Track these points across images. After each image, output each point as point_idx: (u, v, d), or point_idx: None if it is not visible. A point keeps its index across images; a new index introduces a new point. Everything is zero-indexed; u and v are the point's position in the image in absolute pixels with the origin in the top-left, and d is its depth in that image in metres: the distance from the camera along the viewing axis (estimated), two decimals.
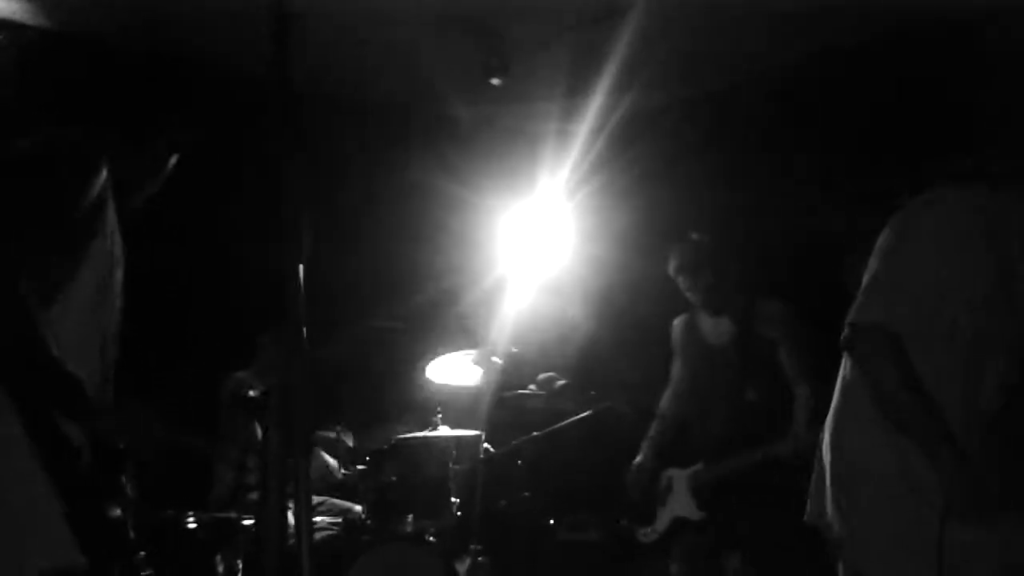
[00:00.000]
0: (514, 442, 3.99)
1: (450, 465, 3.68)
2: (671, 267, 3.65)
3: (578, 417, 3.98)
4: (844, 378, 2.16)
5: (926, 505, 1.92)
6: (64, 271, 1.83)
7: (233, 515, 3.22)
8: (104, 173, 1.83)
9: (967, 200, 2.03)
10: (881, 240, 2.11)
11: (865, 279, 2.08)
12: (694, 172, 4.60)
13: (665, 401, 3.86)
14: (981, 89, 3.46)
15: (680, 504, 3.60)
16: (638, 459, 3.76)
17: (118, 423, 1.88)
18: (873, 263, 2.08)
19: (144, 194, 2.05)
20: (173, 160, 2.10)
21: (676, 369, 3.85)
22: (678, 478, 3.63)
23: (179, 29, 3.81)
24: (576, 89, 4.40)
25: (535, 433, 3.97)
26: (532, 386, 4.54)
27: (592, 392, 4.24)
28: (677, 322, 3.81)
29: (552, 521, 4.24)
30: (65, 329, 1.81)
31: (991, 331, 1.97)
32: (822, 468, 2.18)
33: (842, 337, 2.06)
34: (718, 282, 3.55)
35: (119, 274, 1.94)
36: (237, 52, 3.30)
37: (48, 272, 1.80)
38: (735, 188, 4.38)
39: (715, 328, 3.64)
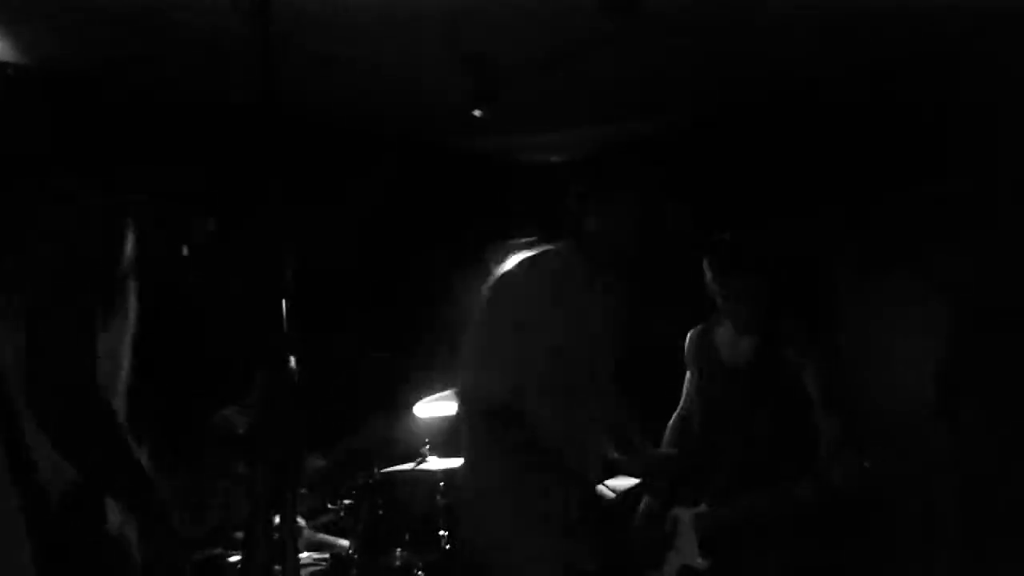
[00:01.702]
0: None
1: (438, 498, 3.65)
2: (706, 265, 3.27)
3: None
4: None
5: None
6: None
7: (219, 551, 3.18)
8: (131, 245, 1.75)
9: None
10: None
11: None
12: (684, 200, 4.61)
13: (673, 424, 3.59)
14: (965, 115, 3.51)
15: (686, 550, 3.28)
16: (645, 502, 3.43)
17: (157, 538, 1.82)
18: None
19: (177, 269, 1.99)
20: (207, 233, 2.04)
21: (687, 385, 3.57)
22: (683, 519, 3.32)
23: (161, 63, 3.82)
24: (564, 119, 4.42)
25: None
26: None
27: None
28: (691, 334, 3.52)
29: None
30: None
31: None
32: None
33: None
34: (756, 293, 3.20)
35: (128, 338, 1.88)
36: (226, 86, 3.30)
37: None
38: (723, 218, 4.40)
39: (734, 346, 3.33)
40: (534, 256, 2.64)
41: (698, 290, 3.34)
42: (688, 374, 3.55)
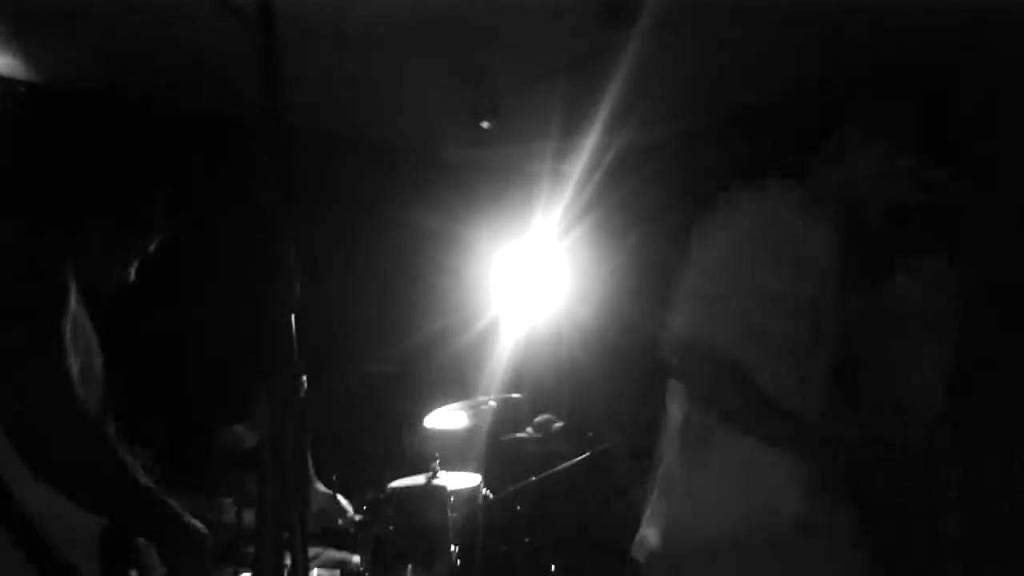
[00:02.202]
0: (512, 487, 3.94)
1: (449, 512, 3.63)
2: None
3: (576, 459, 3.93)
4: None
5: None
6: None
7: (230, 569, 3.16)
8: (71, 285, 1.74)
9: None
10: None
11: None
12: (688, 209, 4.60)
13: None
14: (966, 112, 3.49)
15: None
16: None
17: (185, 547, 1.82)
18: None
19: (115, 282, 1.97)
20: (151, 247, 2.01)
21: None
22: None
23: (170, 79, 3.83)
24: (569, 129, 4.41)
25: (533, 477, 3.92)
26: (528, 429, 4.50)
27: (589, 434, 4.20)
28: None
29: (553, 567, 4.17)
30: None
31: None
32: None
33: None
34: None
35: (98, 362, 1.87)
36: (229, 99, 3.31)
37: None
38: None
39: None
40: None
41: None
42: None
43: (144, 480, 1.71)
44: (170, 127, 3.88)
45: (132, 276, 1.98)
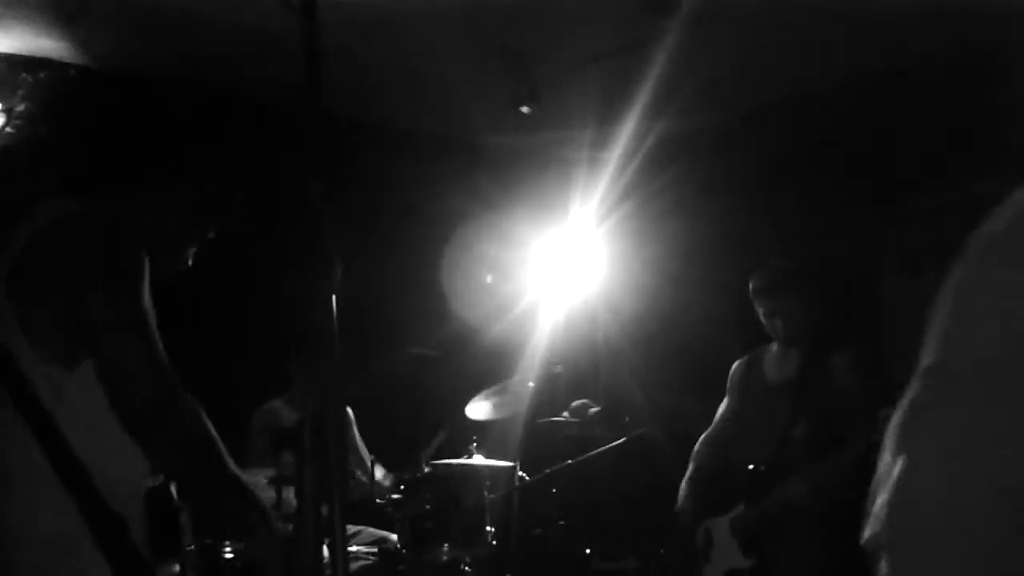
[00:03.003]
0: (548, 470, 3.97)
1: (485, 494, 3.67)
2: (752, 288, 3.40)
3: (612, 444, 3.94)
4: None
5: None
6: None
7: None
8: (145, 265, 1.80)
9: None
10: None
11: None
12: (725, 198, 4.58)
13: (702, 446, 3.65)
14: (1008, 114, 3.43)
15: (726, 555, 3.34)
16: (679, 506, 3.55)
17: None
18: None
19: (179, 268, 2.03)
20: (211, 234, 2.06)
21: (723, 411, 3.64)
22: (718, 527, 3.39)
23: (215, 64, 3.88)
24: (608, 116, 4.41)
25: (569, 461, 3.94)
26: (565, 413, 4.52)
27: (626, 419, 4.21)
28: (738, 363, 3.61)
29: (588, 550, 4.20)
30: None
31: None
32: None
33: None
34: (803, 310, 3.31)
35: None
36: (272, 85, 3.35)
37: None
38: (768, 214, 4.36)
39: (781, 362, 3.42)
40: None
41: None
42: (725, 401, 3.62)
43: (228, 459, 1.77)
44: (220, 112, 3.94)
45: (190, 262, 2.04)
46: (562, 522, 4.20)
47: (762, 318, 3.41)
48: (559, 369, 4.31)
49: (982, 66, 3.61)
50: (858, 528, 2.21)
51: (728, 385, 3.63)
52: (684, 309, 4.05)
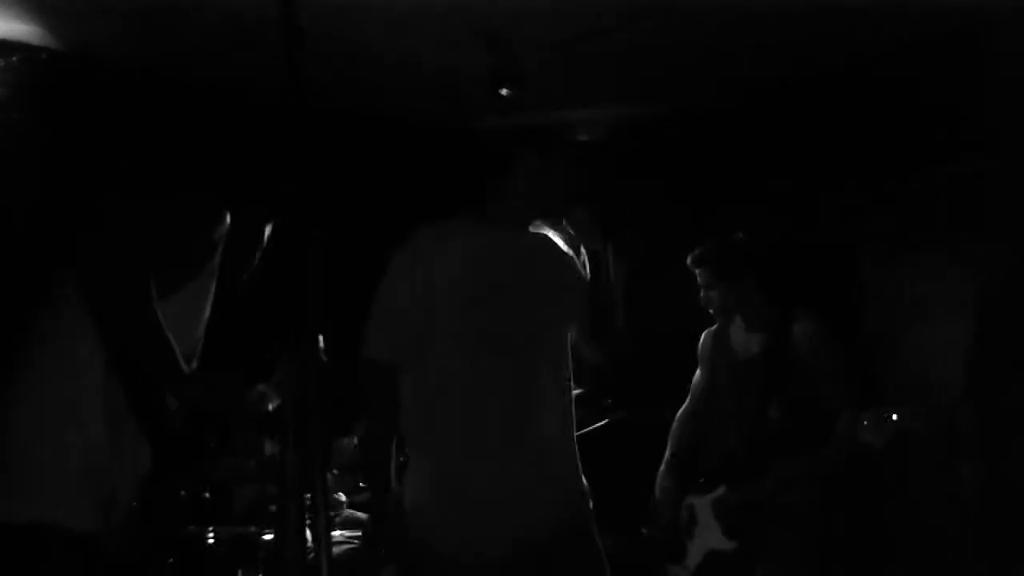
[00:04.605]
0: None
1: None
2: (704, 273, 3.38)
3: (594, 426, 3.96)
4: None
5: None
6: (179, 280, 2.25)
7: (253, 530, 3.22)
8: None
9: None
10: None
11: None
12: (705, 183, 4.60)
13: (679, 423, 3.68)
14: (982, 97, 3.46)
15: (710, 535, 3.34)
16: (659, 486, 3.59)
17: (208, 391, 2.25)
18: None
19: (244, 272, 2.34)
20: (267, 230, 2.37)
21: (696, 381, 3.67)
22: (701, 506, 3.39)
23: (190, 49, 3.84)
24: (589, 99, 4.40)
25: None
26: None
27: (608, 401, 4.23)
28: (706, 334, 3.62)
29: None
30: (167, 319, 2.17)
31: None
32: None
33: None
34: (758, 291, 3.32)
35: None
36: (250, 71, 3.33)
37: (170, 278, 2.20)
38: (747, 200, 4.37)
39: (748, 341, 3.41)
40: None
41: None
42: (698, 372, 3.62)
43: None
44: (197, 101, 3.90)
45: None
46: None
47: (714, 306, 3.41)
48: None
49: (962, 48, 3.64)
50: (842, 516, 2.25)
51: (699, 355, 3.64)
52: (664, 293, 4.06)
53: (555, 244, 2.65)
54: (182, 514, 2.96)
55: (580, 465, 2.49)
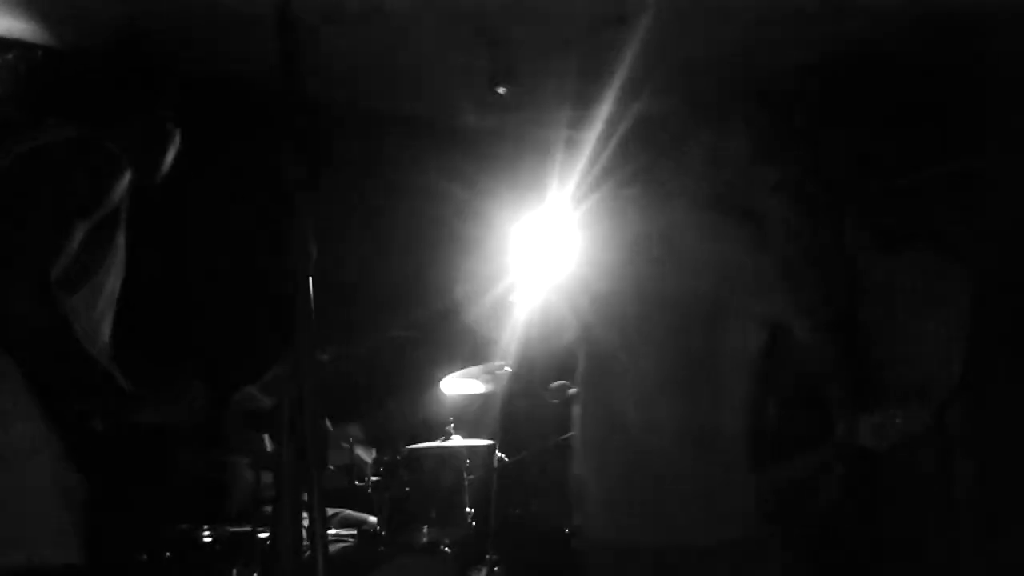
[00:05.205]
0: (527, 451, 3.98)
1: (464, 475, 3.68)
2: None
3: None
4: None
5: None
6: (92, 261, 1.93)
7: (248, 528, 3.22)
8: (127, 175, 1.92)
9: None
10: None
11: None
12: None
13: None
14: (987, 90, 3.45)
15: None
16: None
17: (156, 403, 1.96)
18: None
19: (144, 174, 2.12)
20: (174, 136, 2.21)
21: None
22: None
23: (190, 45, 3.83)
24: (585, 97, 4.39)
25: (548, 441, 3.95)
26: (544, 394, 4.52)
27: None
28: None
29: (567, 529, 4.22)
30: (86, 317, 1.91)
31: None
32: None
33: None
34: None
35: (117, 283, 2.02)
36: (246, 63, 3.32)
37: (78, 260, 1.88)
38: None
39: None
40: None
41: None
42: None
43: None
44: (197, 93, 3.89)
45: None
46: (541, 502, 4.21)
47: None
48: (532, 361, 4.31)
49: (959, 44, 3.63)
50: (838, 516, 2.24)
51: None
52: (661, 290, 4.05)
53: (736, 222, 2.49)
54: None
55: None
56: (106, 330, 2.02)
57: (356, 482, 4.03)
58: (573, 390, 4.61)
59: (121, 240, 2.01)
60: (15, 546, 1.76)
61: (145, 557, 2.93)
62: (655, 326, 2.31)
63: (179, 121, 2.22)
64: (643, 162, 2.80)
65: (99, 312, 1.97)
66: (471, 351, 4.30)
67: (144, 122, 2.15)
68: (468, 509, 3.65)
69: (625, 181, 4.48)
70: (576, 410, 2.37)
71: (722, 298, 2.30)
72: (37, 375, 1.81)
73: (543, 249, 4.92)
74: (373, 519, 3.72)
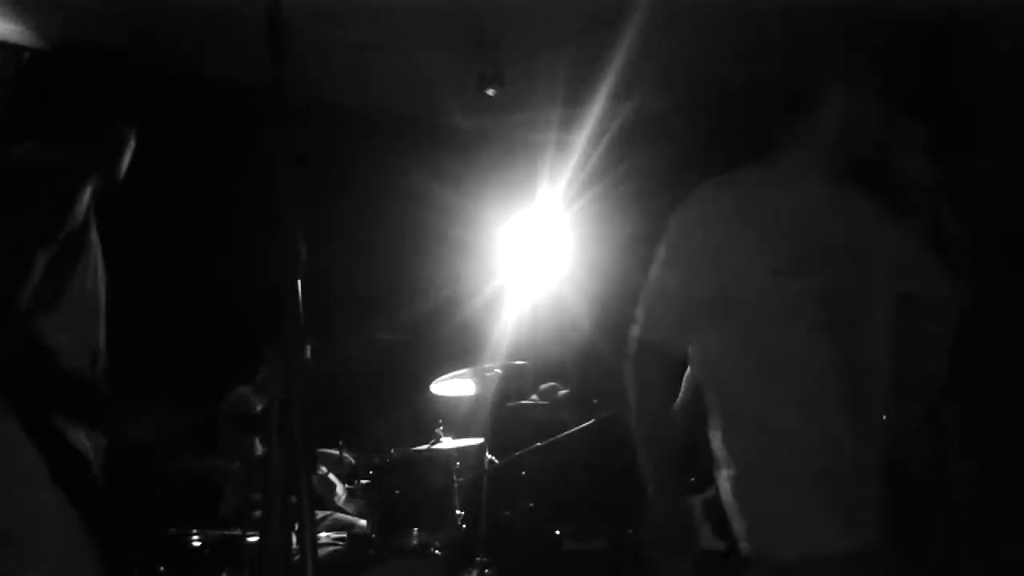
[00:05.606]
0: (517, 453, 3.98)
1: (454, 477, 3.67)
2: None
3: (581, 426, 3.96)
4: None
5: None
6: (61, 281, 1.88)
7: (238, 532, 3.21)
8: (89, 186, 1.88)
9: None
10: None
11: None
12: (694, 179, 4.58)
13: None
14: (980, 88, 3.46)
15: (700, 535, 3.35)
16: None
17: (137, 421, 1.92)
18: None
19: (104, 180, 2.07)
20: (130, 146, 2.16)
21: (688, 378, 3.65)
22: (695, 506, 3.41)
23: (177, 45, 3.82)
24: (574, 98, 4.40)
25: (538, 443, 3.95)
26: (534, 396, 4.52)
27: (594, 401, 4.22)
28: None
29: (557, 531, 4.22)
30: (64, 336, 1.85)
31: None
32: None
33: None
34: None
35: (103, 288, 1.98)
36: (233, 64, 3.31)
37: (47, 282, 1.83)
38: None
39: None
40: None
41: None
42: (689, 368, 3.58)
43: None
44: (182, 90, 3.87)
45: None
46: (531, 504, 4.21)
47: None
48: (523, 364, 4.30)
49: (964, 42, 3.64)
50: None
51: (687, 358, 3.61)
52: None
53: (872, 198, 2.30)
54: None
55: None
56: (99, 336, 1.99)
57: (346, 485, 4.03)
58: (563, 392, 4.63)
59: (93, 240, 1.97)
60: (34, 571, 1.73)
61: (138, 564, 2.92)
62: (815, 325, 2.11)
63: (137, 124, 2.18)
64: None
65: (85, 322, 1.94)
66: (460, 353, 4.30)
67: (103, 127, 2.12)
68: (458, 511, 3.64)
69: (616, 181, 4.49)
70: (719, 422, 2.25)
71: (867, 283, 2.13)
72: (19, 400, 1.77)
73: (533, 250, 4.94)
74: (363, 522, 3.72)
